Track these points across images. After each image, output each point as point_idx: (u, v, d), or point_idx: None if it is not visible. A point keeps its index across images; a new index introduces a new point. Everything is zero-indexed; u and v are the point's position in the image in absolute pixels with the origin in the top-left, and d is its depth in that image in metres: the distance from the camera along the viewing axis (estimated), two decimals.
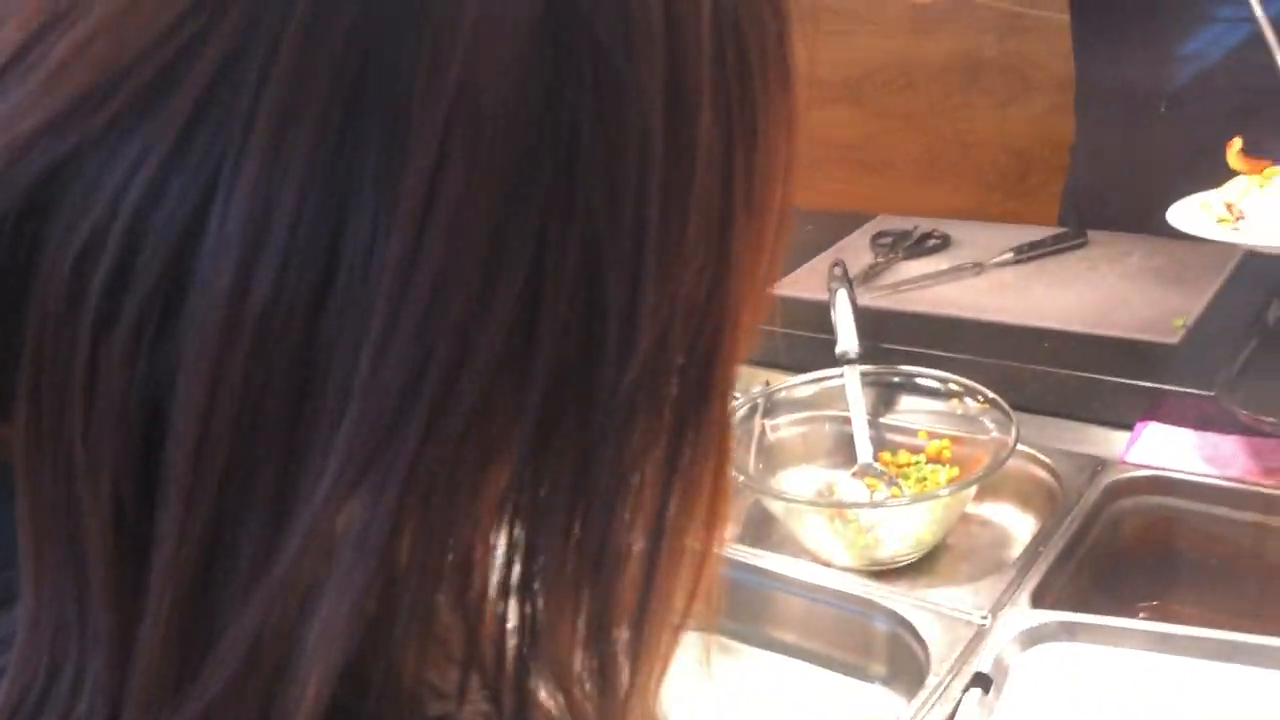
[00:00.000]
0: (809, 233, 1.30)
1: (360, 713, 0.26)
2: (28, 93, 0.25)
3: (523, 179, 0.24)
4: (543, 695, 0.28)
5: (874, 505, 0.87)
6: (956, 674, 0.71)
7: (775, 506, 0.90)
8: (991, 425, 0.90)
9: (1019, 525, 0.91)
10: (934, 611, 0.78)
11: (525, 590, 0.28)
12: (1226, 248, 0.99)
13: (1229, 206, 0.92)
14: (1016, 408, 0.89)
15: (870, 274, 1.20)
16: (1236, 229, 0.91)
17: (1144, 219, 1.05)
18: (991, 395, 0.91)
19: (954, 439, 0.94)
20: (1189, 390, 0.94)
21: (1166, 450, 0.90)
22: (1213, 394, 0.90)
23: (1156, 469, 0.88)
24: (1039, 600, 0.77)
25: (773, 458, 0.98)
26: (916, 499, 0.87)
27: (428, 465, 0.24)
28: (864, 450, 0.93)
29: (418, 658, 0.26)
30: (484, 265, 0.24)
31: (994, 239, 1.25)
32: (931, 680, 0.72)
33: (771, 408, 0.98)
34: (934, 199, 1.86)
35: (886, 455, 0.95)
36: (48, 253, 0.24)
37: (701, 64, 0.26)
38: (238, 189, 0.23)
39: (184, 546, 0.24)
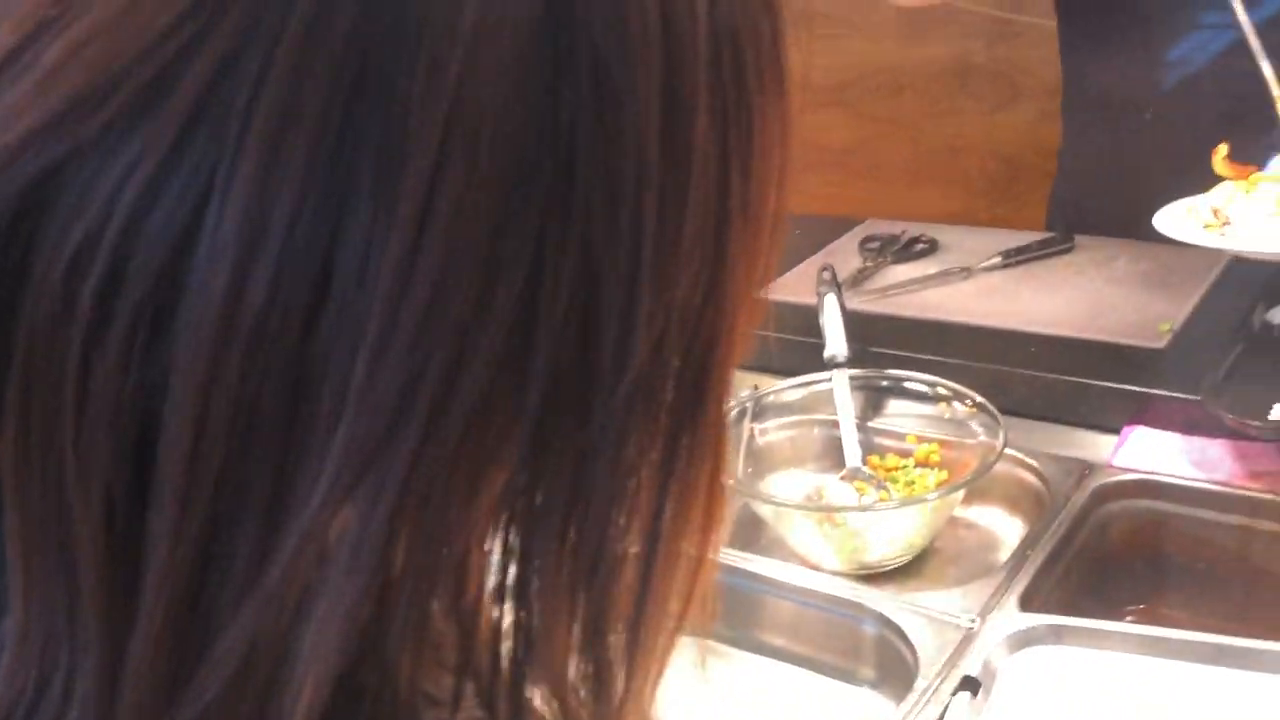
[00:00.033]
0: (797, 237, 1.31)
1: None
2: (21, 95, 0.24)
3: (521, 181, 0.24)
4: (537, 702, 0.28)
5: (863, 509, 0.87)
6: (945, 677, 0.71)
7: (764, 510, 0.90)
8: (979, 429, 0.91)
9: (1007, 529, 0.91)
10: (922, 615, 0.78)
11: (520, 595, 0.27)
12: (1212, 253, 1.00)
13: (1215, 212, 0.93)
14: (1004, 411, 0.90)
15: (859, 278, 1.20)
16: (1223, 234, 0.92)
17: (1131, 224, 1.05)
18: (979, 399, 0.92)
19: (942, 443, 0.94)
20: (1175, 394, 0.94)
21: (1153, 454, 0.91)
22: (1199, 398, 0.90)
23: (1144, 473, 0.89)
24: (1027, 604, 0.77)
25: (761, 461, 0.98)
26: (905, 503, 0.87)
27: (425, 469, 0.24)
28: (852, 454, 0.94)
29: (412, 664, 0.26)
30: (483, 268, 0.24)
31: (982, 244, 1.25)
32: (920, 684, 0.72)
33: (760, 412, 0.99)
34: (922, 204, 1.87)
35: (875, 459, 0.95)
36: (41, 256, 0.24)
37: (698, 67, 0.26)
38: (233, 191, 0.23)
39: (178, 552, 0.24)
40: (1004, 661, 0.73)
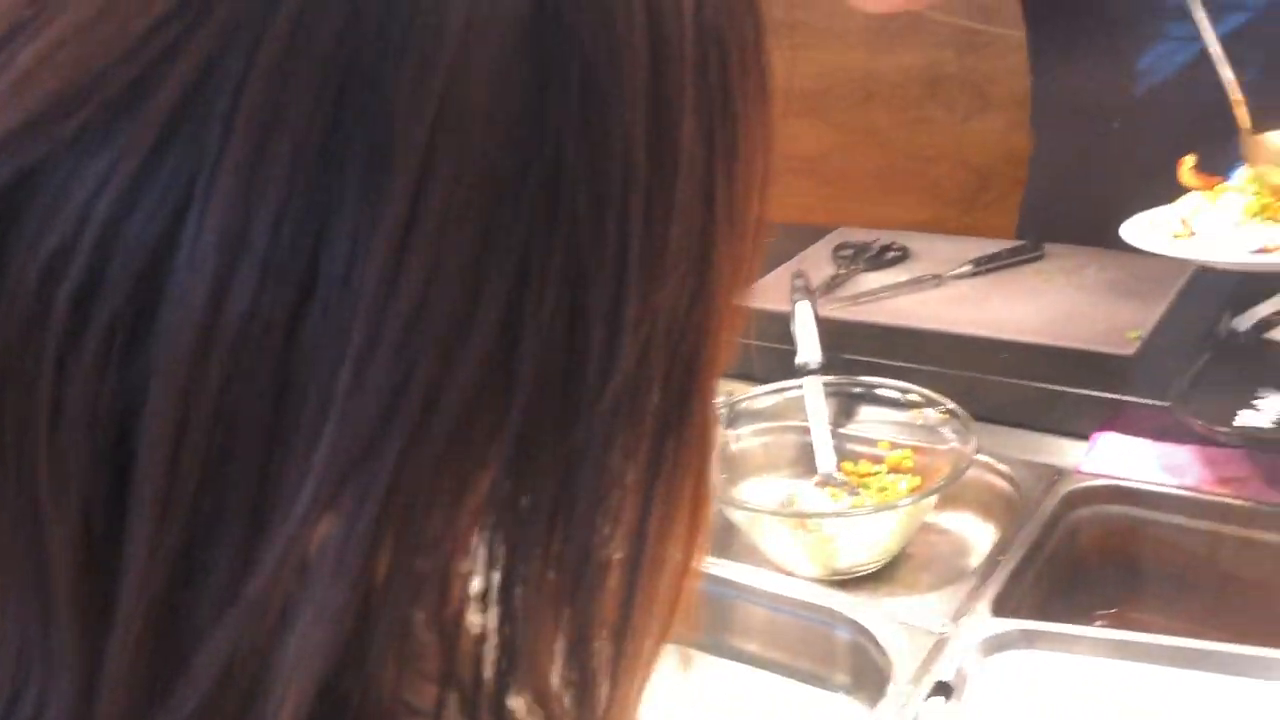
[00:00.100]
0: (770, 244, 1.31)
1: None
2: None
3: (509, 183, 0.24)
4: (521, 711, 0.28)
5: (836, 515, 0.87)
6: (918, 683, 0.72)
7: (738, 516, 0.90)
8: (951, 435, 0.91)
9: (979, 534, 0.92)
10: (895, 620, 0.78)
11: (505, 605, 0.27)
12: (1179, 262, 1.01)
13: (1183, 222, 0.94)
14: (975, 418, 0.90)
15: (831, 285, 1.21)
16: (1189, 244, 0.93)
17: (1099, 233, 1.06)
18: (951, 405, 0.92)
19: (915, 449, 0.95)
20: (1144, 401, 0.95)
21: (1123, 460, 0.91)
22: (1167, 404, 0.91)
23: (1113, 478, 0.89)
24: (999, 609, 0.77)
25: (735, 468, 0.98)
26: (878, 508, 0.87)
27: (410, 475, 0.24)
28: (825, 460, 0.94)
29: (395, 674, 0.26)
30: (470, 271, 0.24)
31: (953, 252, 1.26)
32: (893, 689, 0.72)
33: (734, 418, 0.99)
34: (893, 212, 1.88)
35: (848, 465, 0.96)
36: (15, 259, 0.23)
37: (684, 70, 0.26)
38: (215, 196, 0.23)
39: (155, 564, 0.23)
40: (977, 666, 0.73)
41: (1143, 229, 0.96)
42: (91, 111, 0.23)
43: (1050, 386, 1.00)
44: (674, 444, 0.29)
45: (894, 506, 0.86)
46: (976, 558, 0.88)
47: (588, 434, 0.26)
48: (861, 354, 1.05)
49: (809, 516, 0.87)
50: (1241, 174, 0.97)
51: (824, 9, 1.77)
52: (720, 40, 0.27)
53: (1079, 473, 0.90)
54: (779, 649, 0.84)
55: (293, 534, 0.23)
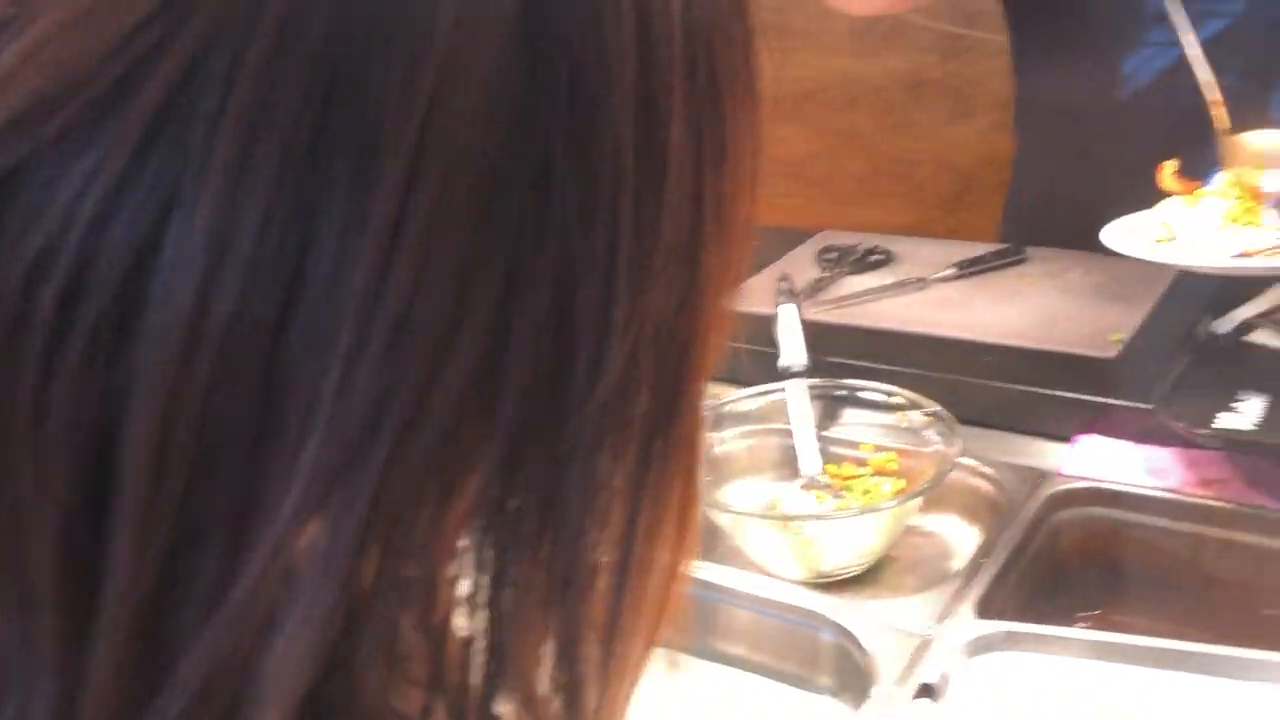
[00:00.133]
0: (754, 247, 1.31)
1: None
2: None
3: (497, 186, 0.24)
4: (509, 716, 0.28)
5: (820, 517, 0.88)
6: (903, 685, 0.72)
7: (722, 519, 0.90)
8: (936, 437, 0.91)
9: (963, 537, 0.92)
10: (880, 623, 0.78)
11: (493, 608, 0.27)
12: (1161, 266, 1.02)
13: (1165, 226, 0.95)
14: (959, 420, 0.90)
15: (815, 289, 1.21)
16: (1170, 249, 0.94)
17: (1082, 236, 1.07)
18: (936, 408, 0.92)
19: (899, 451, 0.95)
20: (1127, 403, 0.96)
21: (1106, 462, 0.92)
22: (1150, 407, 0.92)
23: (1096, 481, 0.90)
24: (983, 611, 0.78)
25: (719, 471, 0.98)
26: (863, 511, 0.88)
27: (397, 481, 0.24)
28: (810, 463, 0.94)
29: (381, 679, 0.26)
30: (458, 274, 0.24)
31: (936, 255, 1.27)
32: (877, 691, 0.72)
33: (718, 421, 0.99)
34: (877, 216, 1.89)
35: (832, 468, 0.96)
36: None
37: (673, 76, 0.26)
38: (201, 198, 0.22)
39: (139, 567, 0.23)
40: (960, 668, 0.73)
41: (1124, 233, 0.97)
42: (76, 110, 0.23)
43: (1033, 389, 1.00)
44: (662, 446, 0.28)
45: (878, 509, 0.86)
46: (960, 560, 0.88)
47: (576, 436, 0.26)
48: (846, 357, 1.05)
49: (793, 519, 0.87)
50: (1221, 179, 0.98)
51: (807, 13, 1.78)
52: (709, 42, 0.27)
53: (1062, 475, 0.91)
54: (763, 652, 0.84)
55: (279, 537, 0.23)
